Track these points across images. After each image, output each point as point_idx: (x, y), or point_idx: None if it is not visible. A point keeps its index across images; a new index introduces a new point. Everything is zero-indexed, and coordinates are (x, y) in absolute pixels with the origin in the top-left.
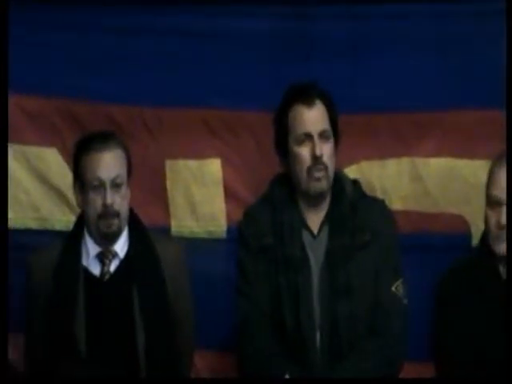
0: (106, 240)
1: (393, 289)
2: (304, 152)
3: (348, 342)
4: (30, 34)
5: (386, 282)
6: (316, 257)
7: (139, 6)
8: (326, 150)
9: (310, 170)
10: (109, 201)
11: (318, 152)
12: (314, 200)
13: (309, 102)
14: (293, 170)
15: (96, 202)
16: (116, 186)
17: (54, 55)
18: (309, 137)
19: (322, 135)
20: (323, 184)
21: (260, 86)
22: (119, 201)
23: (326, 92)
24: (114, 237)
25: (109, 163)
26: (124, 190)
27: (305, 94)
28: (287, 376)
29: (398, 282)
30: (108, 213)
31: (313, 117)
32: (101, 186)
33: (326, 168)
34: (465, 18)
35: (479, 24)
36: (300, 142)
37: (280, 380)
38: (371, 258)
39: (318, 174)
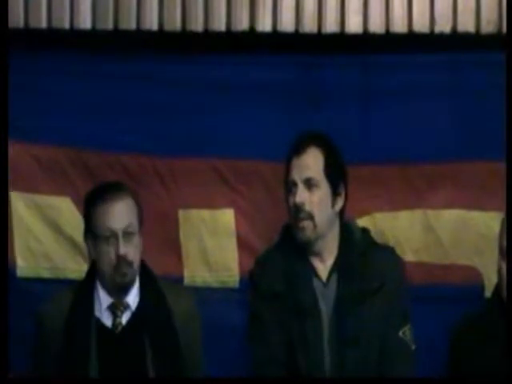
0: (120, 291)
1: (400, 334)
2: (291, 200)
3: None
4: (38, 82)
5: (394, 327)
6: (327, 305)
7: (149, 55)
8: (310, 198)
9: (294, 218)
10: (122, 251)
11: (297, 199)
12: (311, 248)
13: (298, 151)
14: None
15: (110, 253)
16: (128, 235)
17: (64, 103)
18: (294, 185)
19: (307, 183)
20: (307, 233)
21: (272, 136)
22: (132, 251)
23: (325, 137)
24: (128, 287)
25: (120, 213)
26: (136, 239)
27: (296, 145)
28: None
29: (406, 328)
30: (122, 264)
31: (300, 165)
32: (113, 236)
33: (310, 217)
34: (476, 68)
35: (491, 74)
36: (289, 191)
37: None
38: (380, 305)
39: (301, 224)
